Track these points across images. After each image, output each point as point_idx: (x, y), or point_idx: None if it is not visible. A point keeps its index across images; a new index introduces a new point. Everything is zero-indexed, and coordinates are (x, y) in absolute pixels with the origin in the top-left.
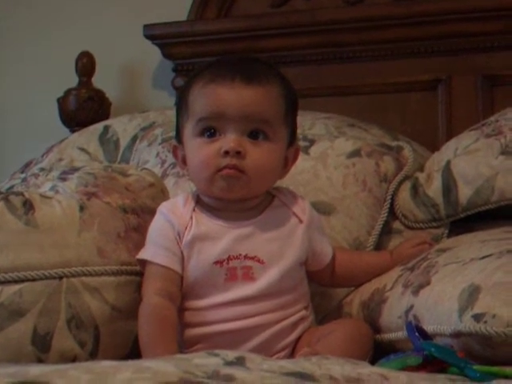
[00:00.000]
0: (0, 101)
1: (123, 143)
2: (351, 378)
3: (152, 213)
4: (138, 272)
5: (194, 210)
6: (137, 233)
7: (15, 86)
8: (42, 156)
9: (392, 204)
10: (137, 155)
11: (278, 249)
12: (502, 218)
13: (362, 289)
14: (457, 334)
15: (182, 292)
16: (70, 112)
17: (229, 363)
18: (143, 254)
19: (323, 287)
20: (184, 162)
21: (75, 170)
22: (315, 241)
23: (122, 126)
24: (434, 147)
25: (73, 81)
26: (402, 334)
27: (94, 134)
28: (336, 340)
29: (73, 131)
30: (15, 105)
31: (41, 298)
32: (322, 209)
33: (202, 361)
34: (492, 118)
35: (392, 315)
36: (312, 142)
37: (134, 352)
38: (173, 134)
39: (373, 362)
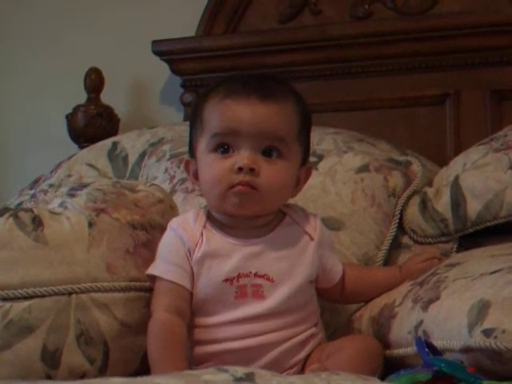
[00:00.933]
0: (9, 117)
1: (132, 159)
2: None
3: (161, 229)
4: (147, 288)
5: (204, 226)
6: (146, 249)
7: (24, 101)
8: (51, 172)
9: (401, 219)
10: (145, 171)
11: (288, 267)
12: (511, 232)
13: (372, 304)
14: (466, 350)
15: (192, 309)
16: (78, 128)
17: (238, 379)
18: (153, 270)
19: (332, 303)
20: (195, 176)
21: (84, 186)
22: (326, 259)
23: (130, 142)
24: (442, 162)
25: (81, 97)
26: (411, 350)
27: (102, 150)
28: (346, 356)
29: (81, 147)
30: (24, 121)
31: (50, 315)
32: (331, 224)
33: (212, 377)
34: (501, 133)
35: (401, 330)
36: (321, 158)
37: (143, 368)
38: (182, 149)
39: (383, 378)
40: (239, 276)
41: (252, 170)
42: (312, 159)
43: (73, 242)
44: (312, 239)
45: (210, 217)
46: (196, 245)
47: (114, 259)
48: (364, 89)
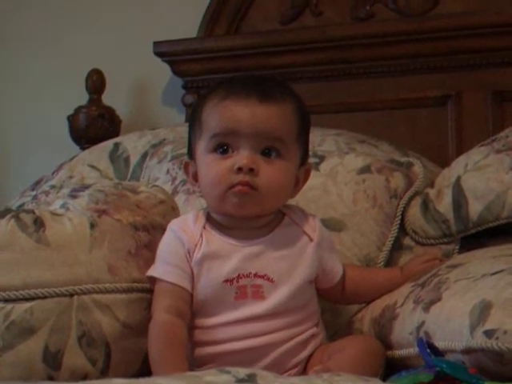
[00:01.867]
0: (10, 117)
1: (133, 160)
2: None
3: (163, 230)
4: (148, 289)
5: (204, 227)
6: (147, 250)
7: (26, 102)
8: (53, 173)
9: (402, 220)
10: (147, 172)
11: (287, 267)
12: None
13: (373, 305)
14: (468, 351)
15: (192, 310)
16: (80, 129)
17: (240, 380)
18: (153, 272)
19: (334, 303)
20: (195, 178)
21: (86, 187)
22: (325, 259)
23: (132, 143)
24: (444, 163)
25: (83, 98)
26: (413, 351)
27: (104, 151)
28: (347, 357)
29: (83, 148)
30: (26, 122)
31: (52, 316)
32: (333, 225)
33: (213, 378)
34: (502, 134)
35: (403, 331)
36: (322, 159)
37: (144, 369)
38: (183, 150)
39: (384, 379)
40: (239, 277)
41: (251, 170)
42: (313, 160)
43: (74, 244)
44: (311, 240)
45: (209, 218)
46: (196, 246)
47: (115, 260)
48: (365, 90)
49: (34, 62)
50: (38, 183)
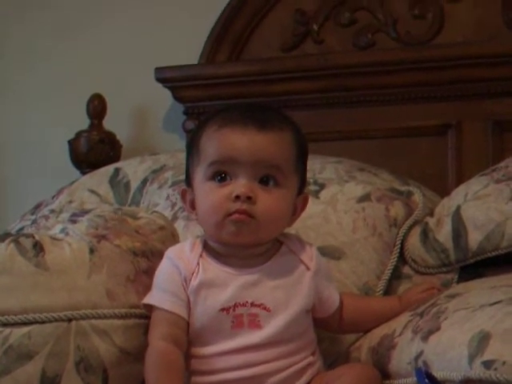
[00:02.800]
0: (11, 141)
1: (134, 185)
2: None
3: (162, 256)
4: (146, 315)
5: (200, 255)
6: (147, 276)
7: (27, 127)
8: (53, 198)
9: (402, 249)
10: (147, 198)
11: (284, 296)
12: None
13: (371, 334)
14: (466, 381)
15: (189, 338)
16: (80, 154)
17: None
18: (149, 299)
19: (331, 333)
20: (192, 206)
21: (85, 212)
22: (322, 288)
23: (132, 169)
24: (443, 192)
25: (84, 123)
26: (411, 380)
27: (104, 176)
28: None
29: (83, 173)
30: (26, 146)
31: (50, 341)
32: (332, 253)
33: None
34: (502, 164)
35: (401, 361)
36: (322, 186)
37: None
38: (183, 177)
39: None
40: (235, 305)
41: (249, 198)
42: (313, 188)
43: (74, 268)
44: (308, 269)
45: (206, 246)
46: (192, 274)
47: (114, 286)
48: (366, 118)
49: (35, 85)
50: (37, 207)
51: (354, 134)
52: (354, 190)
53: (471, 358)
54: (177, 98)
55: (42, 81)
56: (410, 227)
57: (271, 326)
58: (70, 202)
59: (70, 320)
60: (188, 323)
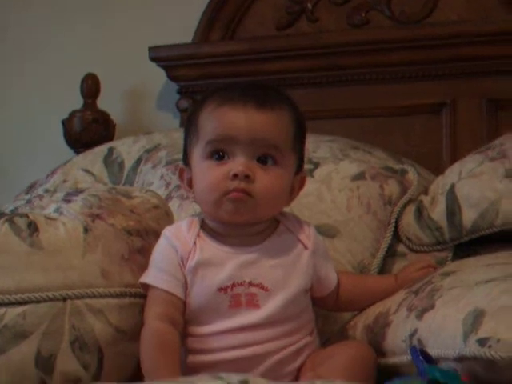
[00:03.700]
0: (5, 121)
1: (128, 165)
2: None
3: (156, 235)
4: (141, 294)
5: (198, 235)
6: (141, 255)
7: (21, 107)
8: (47, 177)
9: (396, 227)
10: (141, 177)
11: (282, 276)
12: (506, 241)
13: (366, 312)
14: (461, 358)
15: (186, 318)
16: (74, 134)
17: None
18: (146, 278)
19: (327, 311)
20: (190, 184)
21: (80, 191)
22: (320, 267)
23: (126, 148)
24: (438, 170)
25: (78, 103)
26: (406, 358)
27: (98, 155)
28: (339, 363)
29: (77, 153)
30: (20, 126)
31: (45, 320)
32: (327, 232)
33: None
34: (497, 142)
35: (396, 339)
36: (317, 165)
37: (137, 374)
38: (178, 156)
39: None
40: (233, 285)
41: (247, 176)
42: (308, 166)
43: (68, 248)
44: (306, 248)
45: (203, 225)
46: (189, 254)
47: (109, 265)
48: (360, 97)
49: (29, 65)
50: (31, 187)
51: (348, 113)
52: (349, 169)
53: (466, 336)
54: (171, 77)
55: (36, 61)
56: (405, 205)
57: (269, 306)
58: (64, 181)
59: (64, 299)
60: (184, 303)
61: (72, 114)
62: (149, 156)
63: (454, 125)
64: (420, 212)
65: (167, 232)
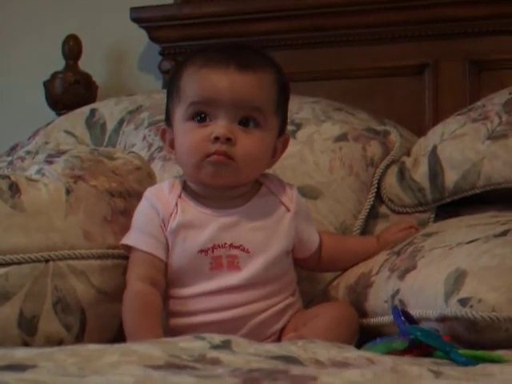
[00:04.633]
0: None
1: (110, 126)
2: (337, 361)
3: (139, 196)
4: (124, 256)
5: (179, 196)
6: (123, 216)
7: (1, 69)
8: (29, 139)
9: (378, 188)
10: (123, 139)
11: (263, 238)
12: (488, 202)
13: (349, 273)
14: (442, 319)
15: (167, 280)
16: (56, 95)
17: (215, 347)
18: (127, 240)
19: (309, 272)
20: (171, 145)
21: (62, 153)
22: (302, 229)
23: (108, 110)
24: (420, 132)
25: (59, 64)
26: (387, 318)
27: (80, 117)
28: (322, 324)
29: (59, 114)
30: (1, 88)
31: (27, 282)
32: (309, 193)
33: (188, 344)
34: (479, 103)
35: (378, 299)
36: (299, 126)
37: (120, 335)
38: (160, 117)
39: (359, 346)
40: (214, 247)
41: (229, 139)
42: (290, 128)
43: (50, 209)
44: (288, 210)
45: (185, 187)
46: (171, 215)
47: (91, 226)
48: (342, 58)
49: (9, 26)
50: (13, 149)
51: (330, 74)
52: (331, 130)
53: (447, 296)
54: (153, 39)
55: (16, 22)
56: (387, 167)
57: (250, 268)
58: (46, 143)
59: (47, 261)
60: (166, 264)
61: (53, 76)
62: (131, 117)
63: (436, 86)
64: (402, 173)
65: (148, 193)
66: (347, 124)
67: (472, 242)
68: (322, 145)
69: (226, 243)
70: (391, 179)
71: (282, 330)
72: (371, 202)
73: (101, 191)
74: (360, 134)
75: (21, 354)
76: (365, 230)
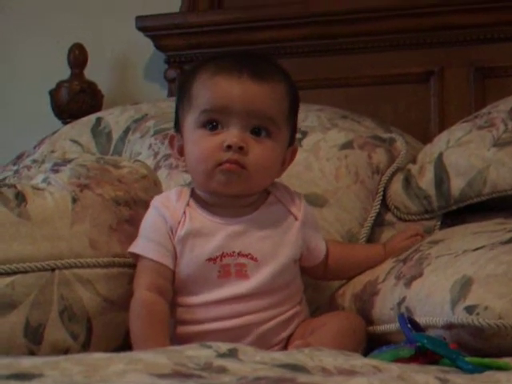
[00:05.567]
0: None
1: (116, 135)
2: (344, 369)
3: (144, 205)
4: (130, 264)
5: (187, 204)
6: (129, 225)
7: (7, 78)
8: (34, 148)
9: (384, 196)
10: (129, 147)
11: (271, 247)
12: (494, 209)
13: (355, 281)
14: (449, 326)
15: (175, 288)
16: (62, 104)
17: (221, 355)
18: (135, 248)
19: (315, 280)
20: (180, 152)
21: (67, 161)
22: (309, 238)
23: (114, 118)
24: (426, 139)
25: (65, 73)
26: (394, 326)
27: (86, 125)
28: (329, 332)
29: (65, 123)
30: (7, 97)
31: (33, 290)
32: (315, 201)
33: (195, 352)
34: (484, 110)
35: (384, 307)
36: (305, 134)
37: (126, 344)
38: (165, 125)
39: (366, 354)
40: (223, 255)
41: (241, 148)
42: (296, 135)
43: (56, 218)
44: (296, 219)
45: (193, 195)
46: (179, 223)
47: (97, 235)
48: (348, 66)
49: (15, 34)
50: (19, 158)
51: (336, 82)
52: (337, 138)
53: (453, 304)
54: (158, 47)
55: (21, 31)
56: (393, 174)
57: (258, 277)
58: (52, 151)
59: (53, 269)
60: (174, 273)
61: (59, 84)
62: (137, 126)
63: (442, 93)
64: (408, 181)
65: (156, 202)
66: (353, 132)
67: (478, 249)
68: (327, 152)
69: (234, 251)
70: (397, 187)
71: (289, 338)
72: (377, 210)
73: (107, 200)
74: (366, 142)
75: (27, 362)
76: (371, 238)
